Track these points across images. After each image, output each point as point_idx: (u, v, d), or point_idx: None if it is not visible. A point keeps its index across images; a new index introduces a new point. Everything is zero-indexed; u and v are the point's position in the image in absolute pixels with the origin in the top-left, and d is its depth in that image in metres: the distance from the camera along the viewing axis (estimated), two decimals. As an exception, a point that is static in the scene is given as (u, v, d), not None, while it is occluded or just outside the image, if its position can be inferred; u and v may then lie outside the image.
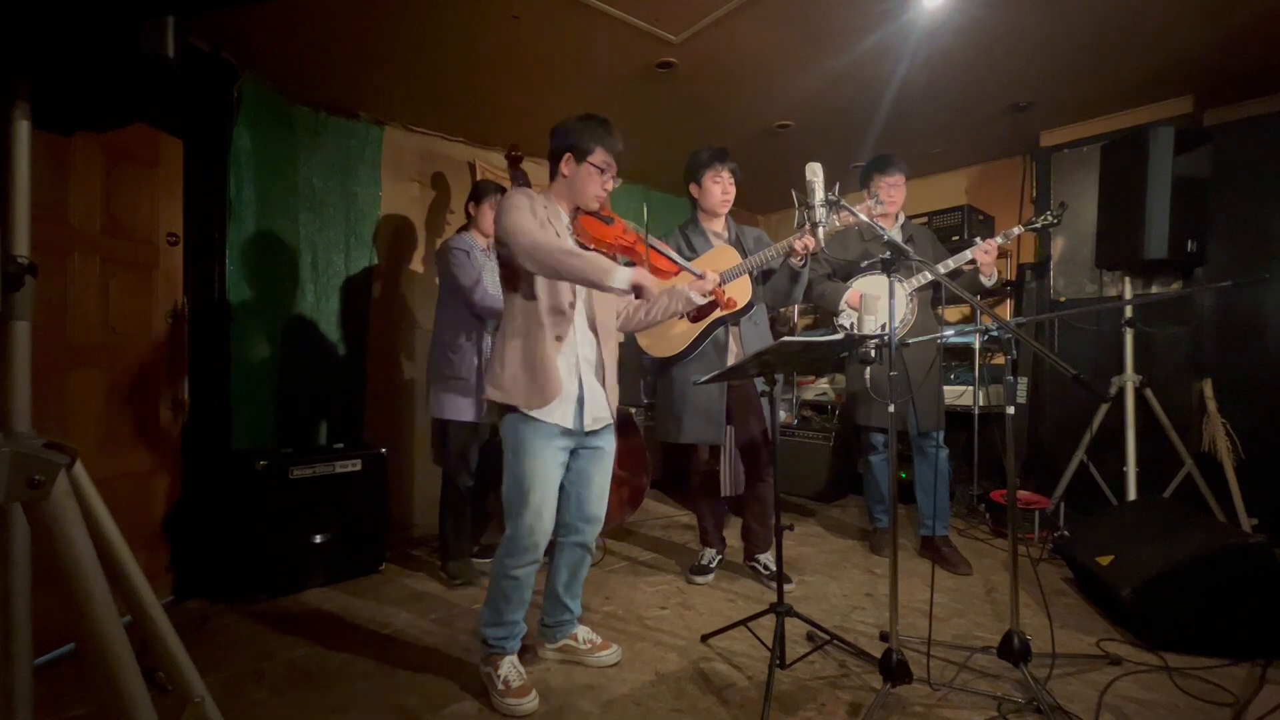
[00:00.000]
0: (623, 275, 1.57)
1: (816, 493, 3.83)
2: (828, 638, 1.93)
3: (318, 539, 2.51)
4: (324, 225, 3.16)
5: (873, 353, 1.71)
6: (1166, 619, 1.93)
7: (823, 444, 3.81)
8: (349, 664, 1.92)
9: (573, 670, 1.88)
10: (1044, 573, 2.59)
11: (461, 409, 2.54)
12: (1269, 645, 1.83)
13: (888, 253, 1.67)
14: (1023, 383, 3.52)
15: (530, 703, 1.66)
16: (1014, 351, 1.72)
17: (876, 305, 2.44)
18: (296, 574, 2.46)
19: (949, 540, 2.78)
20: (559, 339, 1.74)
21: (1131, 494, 2.83)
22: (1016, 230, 2.59)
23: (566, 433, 1.75)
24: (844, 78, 2.85)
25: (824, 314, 2.99)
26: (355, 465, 2.62)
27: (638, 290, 1.59)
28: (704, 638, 2.05)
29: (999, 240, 2.56)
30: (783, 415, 4.25)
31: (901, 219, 2.84)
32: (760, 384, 1.90)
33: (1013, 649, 1.66)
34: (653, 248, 1.90)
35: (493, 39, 2.53)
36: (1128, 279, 3.06)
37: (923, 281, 2.67)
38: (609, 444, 1.90)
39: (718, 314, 2.27)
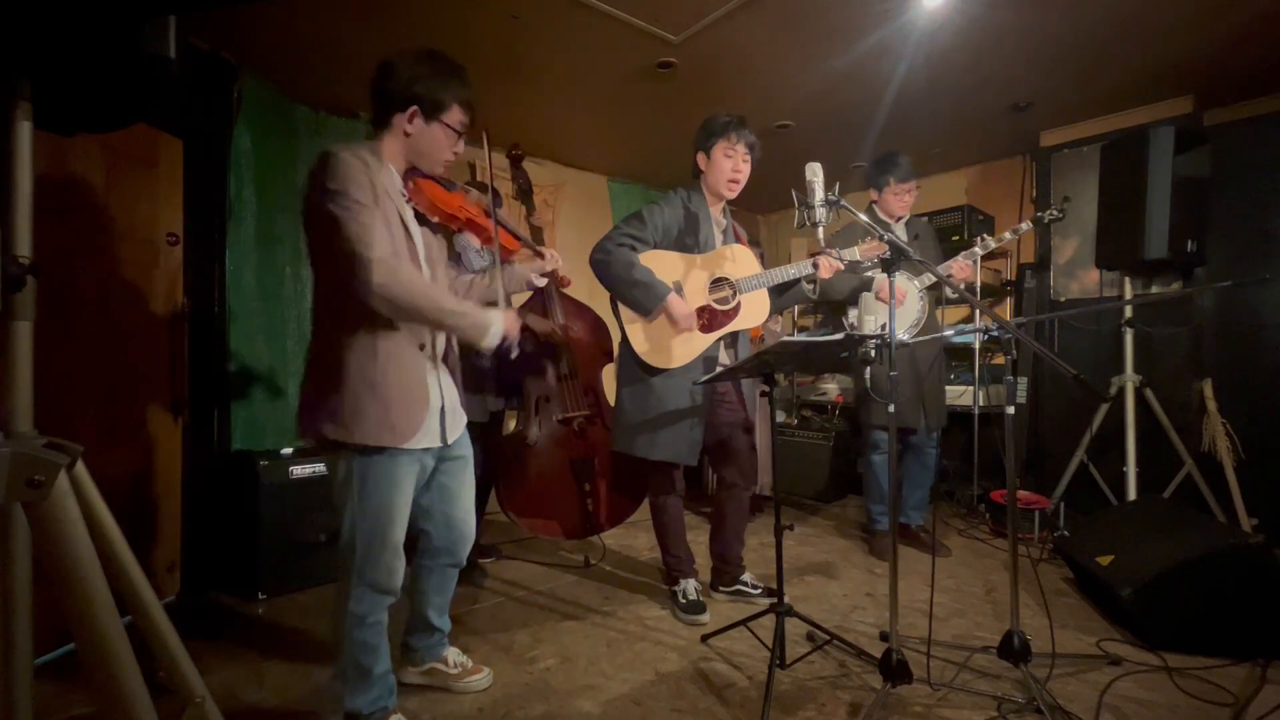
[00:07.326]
0: (497, 329, 1.38)
1: (816, 493, 3.83)
2: (828, 638, 1.93)
3: (318, 538, 2.50)
4: (324, 225, 3.16)
5: (873, 353, 1.71)
6: (1166, 619, 1.93)
7: (823, 444, 3.81)
8: (349, 664, 1.92)
9: (572, 670, 1.87)
10: (1044, 573, 2.59)
11: (467, 409, 2.52)
12: (1269, 645, 1.83)
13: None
14: (1023, 383, 3.52)
15: None
16: (1014, 351, 1.72)
17: (888, 303, 2.47)
18: (297, 573, 2.45)
19: (924, 528, 3.02)
20: (422, 347, 1.41)
21: (1131, 494, 2.83)
22: (1024, 226, 2.71)
23: (427, 452, 1.47)
24: (844, 78, 2.85)
25: (830, 311, 2.99)
26: (355, 465, 2.61)
27: (506, 339, 1.40)
28: (704, 638, 2.04)
29: (1008, 236, 2.72)
30: (781, 416, 4.24)
31: (907, 216, 2.85)
32: (759, 383, 1.89)
33: (1013, 649, 1.66)
34: (498, 223, 1.61)
35: (493, 39, 2.53)
36: (1128, 279, 3.06)
37: (931, 281, 2.69)
38: (469, 449, 1.64)
39: (733, 326, 2.14)
